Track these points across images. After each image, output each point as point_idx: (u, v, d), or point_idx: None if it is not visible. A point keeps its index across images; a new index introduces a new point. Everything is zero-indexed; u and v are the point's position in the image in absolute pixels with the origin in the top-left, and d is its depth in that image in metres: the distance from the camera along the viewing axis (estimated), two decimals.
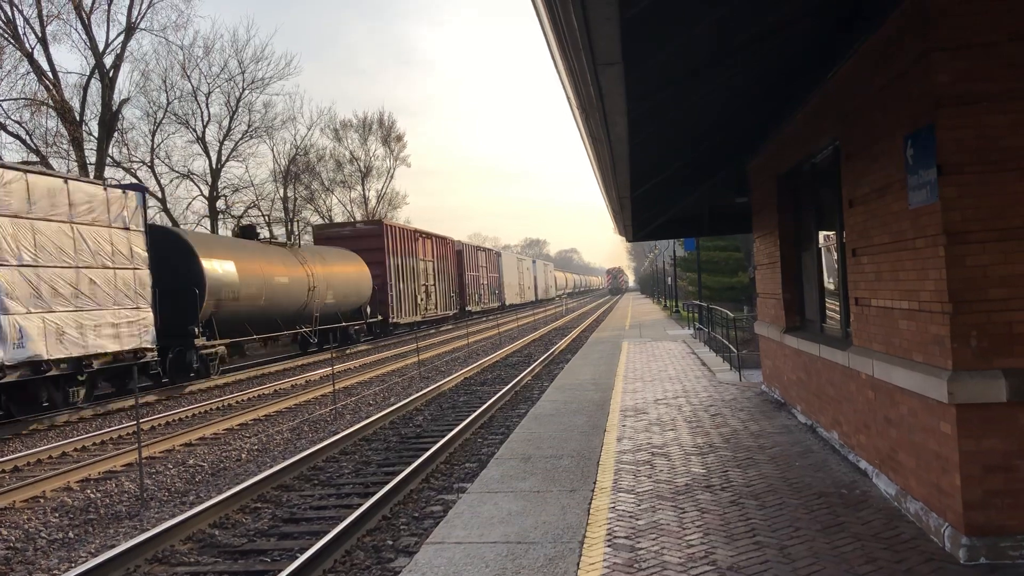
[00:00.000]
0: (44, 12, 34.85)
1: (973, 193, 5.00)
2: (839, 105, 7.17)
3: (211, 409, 17.35)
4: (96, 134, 36.83)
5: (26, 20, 34.64)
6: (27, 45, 34.42)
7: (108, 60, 37.24)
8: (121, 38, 37.61)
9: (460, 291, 53.25)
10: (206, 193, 44.85)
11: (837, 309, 8.36)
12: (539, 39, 4.84)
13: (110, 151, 38.00)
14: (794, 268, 10.28)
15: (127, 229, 18.79)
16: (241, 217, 45.53)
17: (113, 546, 7.92)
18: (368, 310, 34.64)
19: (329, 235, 38.17)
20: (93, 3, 36.69)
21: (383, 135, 63.83)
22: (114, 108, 37.32)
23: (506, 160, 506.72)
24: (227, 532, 8.28)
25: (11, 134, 35.34)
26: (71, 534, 8.70)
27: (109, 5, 37.33)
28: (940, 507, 5.34)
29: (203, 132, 44.87)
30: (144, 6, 38.09)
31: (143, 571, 7.23)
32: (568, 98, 5.89)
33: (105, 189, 18.37)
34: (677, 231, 21.17)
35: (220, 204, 44.52)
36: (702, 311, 24.94)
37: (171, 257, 21.04)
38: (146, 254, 19.43)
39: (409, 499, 9.17)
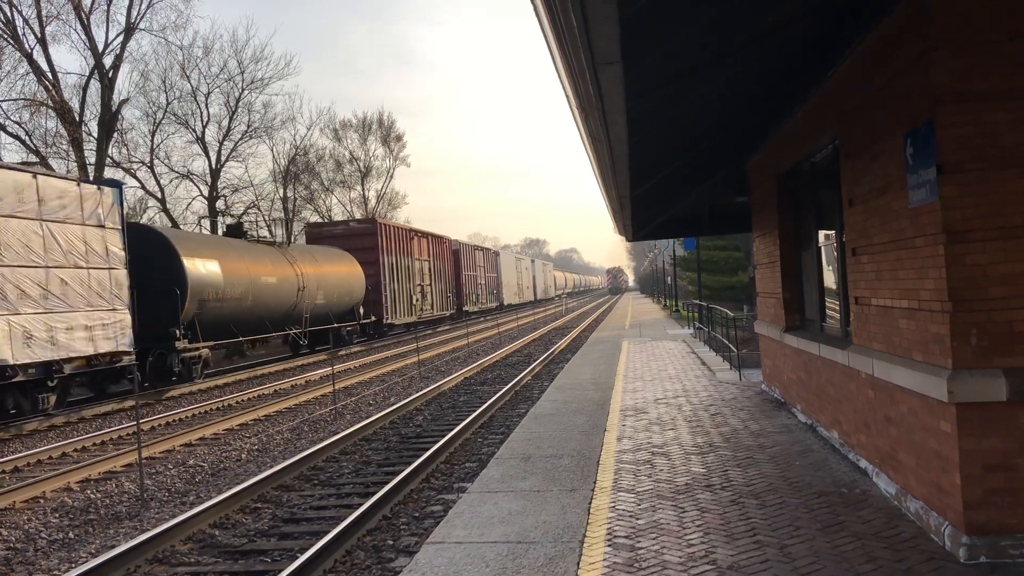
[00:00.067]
0: (43, 12, 34.87)
1: (973, 192, 5.00)
2: (839, 104, 7.17)
3: (211, 409, 17.35)
4: (96, 134, 36.82)
5: (25, 20, 34.67)
6: (26, 45, 34.43)
7: (107, 60, 37.26)
8: (120, 38, 37.63)
9: (457, 291, 52.53)
10: (206, 193, 44.86)
11: (837, 308, 8.36)
12: (539, 39, 4.84)
13: (110, 151, 37.99)
14: (794, 267, 10.28)
15: (102, 227, 17.84)
16: (241, 217, 45.53)
17: (113, 546, 7.92)
18: (361, 311, 33.83)
19: (321, 234, 37.35)
20: (92, 3, 36.71)
21: (383, 135, 63.87)
22: (113, 108, 37.31)
23: (506, 160, 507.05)
24: (227, 532, 8.28)
25: (11, 135, 35.36)
26: (71, 534, 8.70)
27: (108, 5, 37.35)
28: (940, 506, 5.34)
29: (203, 132, 44.89)
30: (143, 6, 38.09)
31: (143, 571, 7.22)
32: (567, 97, 5.88)
33: (78, 185, 17.48)
34: (677, 230, 21.20)
35: (220, 204, 44.52)
36: (702, 310, 24.94)
37: (151, 256, 20.25)
38: (123, 253, 18.52)
39: (409, 499, 9.17)
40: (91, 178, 21.92)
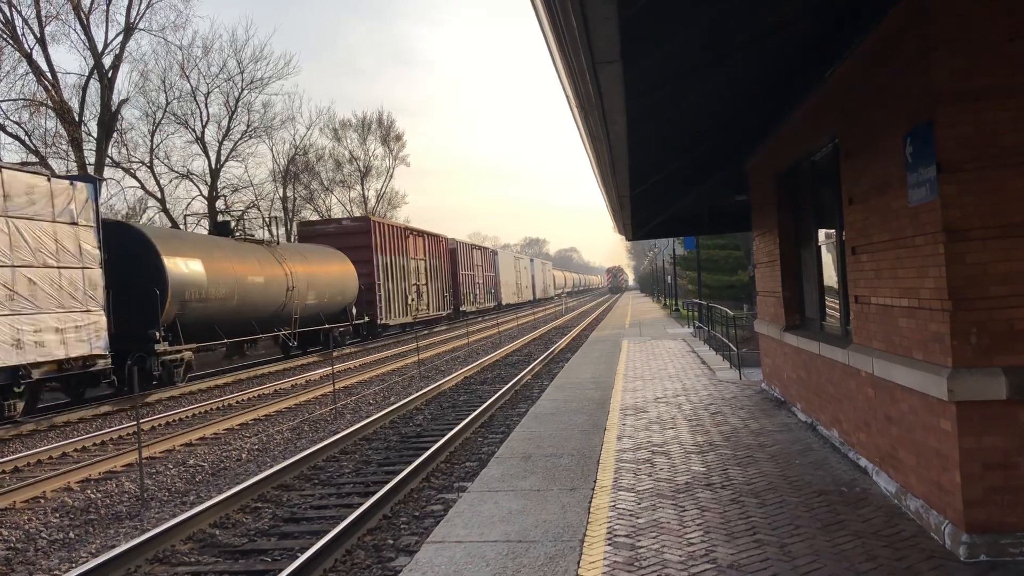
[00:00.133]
0: (43, 12, 34.88)
1: (973, 190, 5.00)
2: (838, 103, 7.17)
3: (211, 409, 17.35)
4: (95, 134, 36.83)
5: (25, 21, 34.67)
6: (26, 46, 34.43)
7: (107, 60, 37.27)
8: (120, 38, 37.64)
9: (454, 290, 51.67)
10: (205, 193, 44.86)
11: (837, 307, 8.36)
12: (539, 39, 4.84)
13: (109, 151, 38.00)
14: (794, 266, 10.28)
15: (75, 224, 16.90)
16: (241, 216, 45.50)
17: (114, 546, 7.92)
18: (354, 311, 32.73)
19: (314, 232, 36.29)
20: (92, 3, 36.73)
21: (382, 135, 63.90)
22: (113, 108, 37.32)
23: (506, 160, 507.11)
24: (228, 532, 8.28)
25: (10, 135, 35.37)
26: (71, 534, 8.71)
27: (108, 5, 37.35)
28: (940, 504, 5.34)
29: (202, 132, 44.90)
30: (143, 6, 38.11)
31: (144, 571, 7.23)
32: (567, 97, 5.89)
33: (49, 180, 16.63)
34: (677, 229, 21.19)
35: (219, 204, 44.51)
36: (702, 309, 24.95)
37: (130, 255, 19.38)
38: (98, 251, 17.57)
39: (410, 498, 9.17)
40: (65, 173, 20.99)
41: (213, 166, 45.15)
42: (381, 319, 35.81)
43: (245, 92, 45.69)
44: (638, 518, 6.21)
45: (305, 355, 29.39)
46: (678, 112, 8.10)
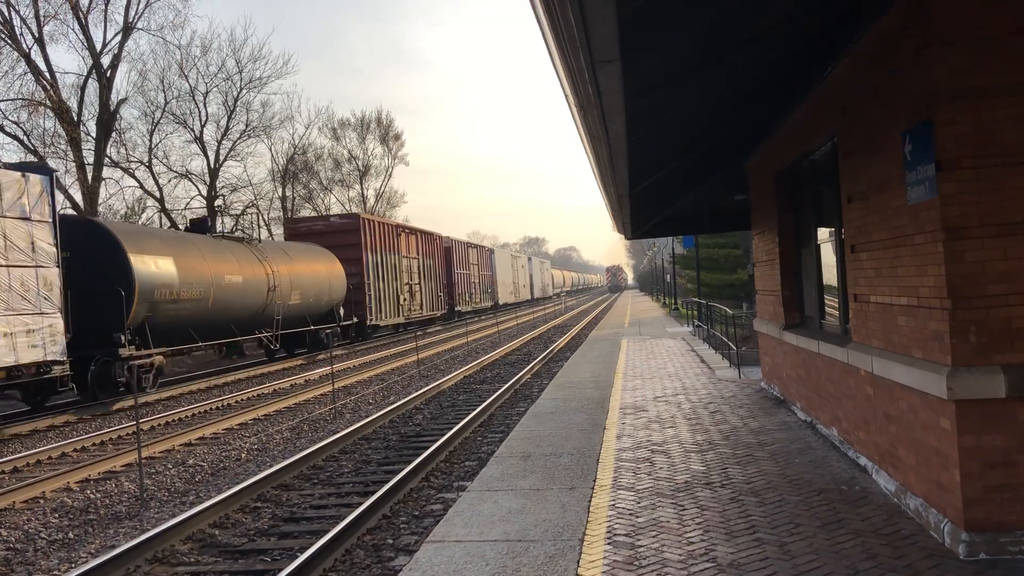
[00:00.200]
0: (41, 12, 34.80)
1: (972, 188, 5.00)
2: (837, 102, 7.17)
3: (210, 409, 17.35)
4: (94, 134, 36.79)
5: (23, 20, 34.59)
6: (24, 45, 34.36)
7: (105, 60, 37.20)
8: (118, 38, 37.56)
9: (448, 290, 50.46)
10: (204, 193, 44.83)
11: (836, 305, 8.36)
12: (538, 38, 4.84)
13: (108, 151, 37.92)
14: (793, 265, 10.28)
15: (27, 219, 15.60)
16: (240, 216, 45.51)
17: (113, 546, 7.92)
18: (342, 312, 31.32)
19: (300, 230, 34.84)
20: (90, 3, 36.64)
21: (381, 134, 63.84)
22: (112, 108, 37.27)
23: (506, 160, 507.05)
24: (227, 532, 8.28)
25: (9, 135, 35.30)
26: (71, 534, 8.70)
27: (106, 5, 37.27)
28: (940, 503, 5.34)
29: (201, 132, 44.83)
30: (141, 6, 38.00)
31: (143, 571, 7.22)
32: (566, 96, 5.88)
33: None
34: (676, 228, 21.18)
35: (218, 204, 44.49)
36: (701, 308, 24.96)
37: (93, 253, 18.16)
38: (54, 249, 16.25)
39: (409, 498, 9.17)
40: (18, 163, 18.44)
41: (212, 166, 45.12)
42: (371, 320, 34.60)
43: (244, 91, 45.66)
44: (638, 517, 6.22)
45: (291, 358, 28.38)
46: (677, 111, 8.09)
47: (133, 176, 41.94)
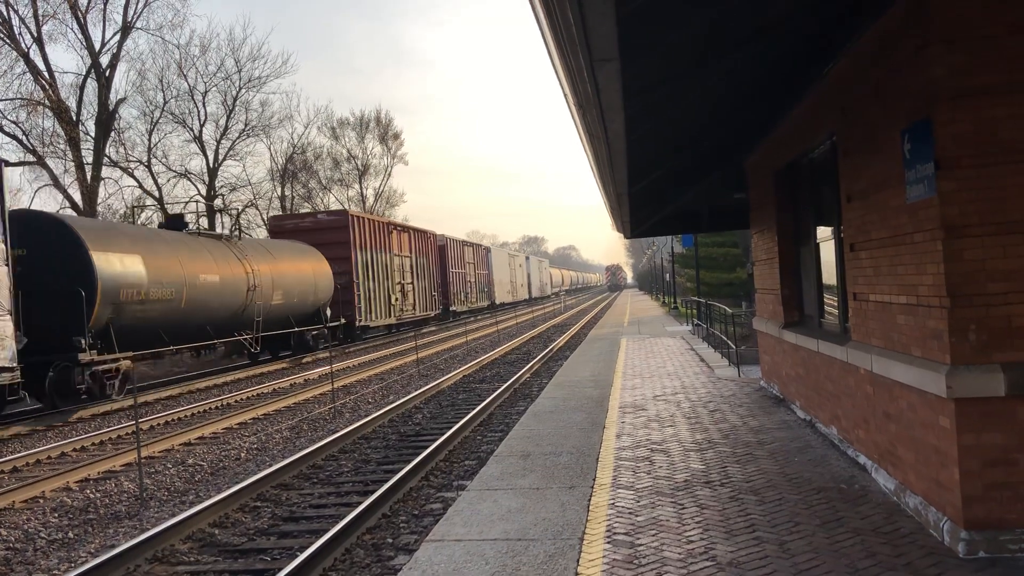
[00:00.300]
0: (40, 12, 34.80)
1: (971, 187, 5.00)
2: (837, 101, 7.17)
3: (210, 408, 17.35)
4: (93, 134, 36.77)
5: (21, 20, 34.57)
6: (23, 45, 34.36)
7: (104, 60, 37.17)
8: (117, 37, 37.55)
9: (443, 289, 49.53)
10: (203, 192, 44.80)
11: (835, 304, 8.37)
12: (537, 38, 4.84)
13: (107, 151, 37.92)
14: (792, 264, 10.28)
15: None
16: (239, 215, 45.42)
17: (113, 546, 7.92)
18: (328, 312, 30.02)
19: (286, 227, 33.61)
20: (89, 3, 36.63)
21: (380, 133, 63.85)
22: (111, 108, 37.27)
23: (506, 160, 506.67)
24: (227, 531, 8.28)
25: (8, 134, 35.29)
26: (71, 534, 8.70)
27: (105, 4, 37.26)
28: (939, 501, 5.34)
29: (200, 131, 44.81)
30: (140, 5, 37.97)
31: (143, 571, 7.22)
32: (566, 95, 5.88)
33: None
34: (675, 227, 21.19)
35: (218, 203, 44.46)
36: (700, 307, 24.96)
37: (51, 250, 16.95)
38: (3, 246, 15.17)
39: (409, 497, 9.17)
40: None
41: (211, 165, 45.11)
42: (360, 320, 33.47)
43: (243, 91, 45.65)
44: (637, 516, 6.22)
45: (275, 361, 27.17)
46: (676, 110, 8.09)
47: (132, 176, 41.96)
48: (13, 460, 12.29)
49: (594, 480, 7.39)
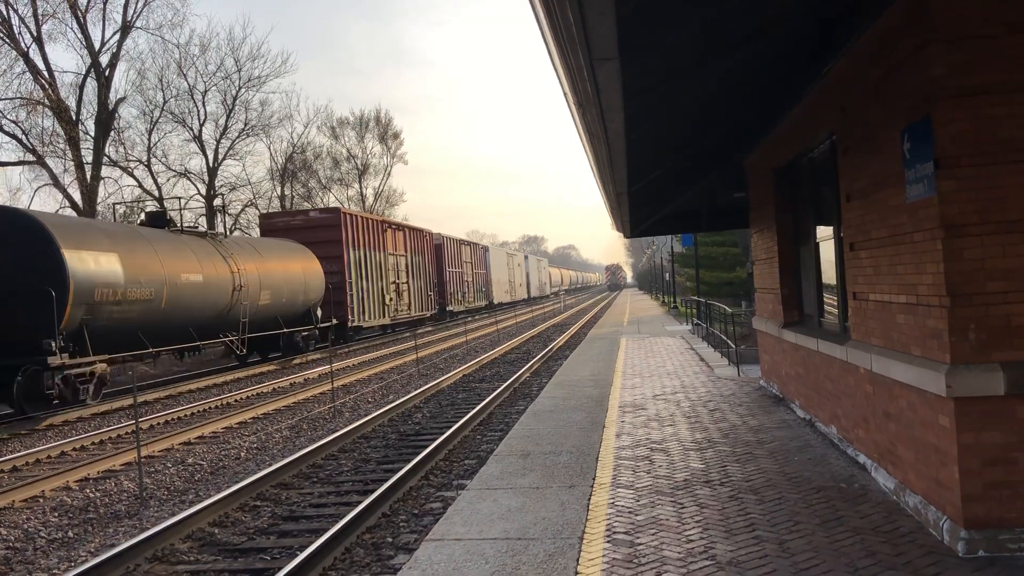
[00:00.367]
0: (39, 11, 34.77)
1: (971, 186, 5.00)
2: (836, 100, 7.17)
3: (209, 408, 17.35)
4: (92, 133, 36.76)
5: (21, 19, 34.55)
6: (22, 44, 34.34)
7: (104, 59, 37.15)
8: (117, 37, 37.51)
9: (439, 289, 48.80)
10: (203, 192, 44.79)
11: (835, 304, 8.37)
12: (537, 38, 4.85)
13: (107, 150, 37.91)
14: (792, 263, 10.29)
15: None
16: (238, 215, 45.47)
17: (113, 545, 7.92)
18: (319, 313, 29.18)
19: (276, 225, 32.75)
20: (88, 2, 36.60)
21: (380, 132, 63.84)
22: (110, 107, 37.25)
23: (506, 160, 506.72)
24: (227, 530, 8.28)
25: (7, 134, 35.27)
26: (71, 533, 8.70)
27: (104, 4, 37.23)
28: (939, 500, 5.35)
29: (200, 130, 44.78)
30: (140, 4, 37.94)
31: (143, 570, 7.23)
32: (565, 95, 5.89)
33: None
34: (675, 226, 21.21)
35: (217, 203, 44.43)
36: (700, 307, 24.96)
37: (20, 248, 16.22)
38: None
39: (409, 496, 9.17)
40: None
41: (211, 164, 45.08)
42: (353, 321, 32.61)
43: (243, 90, 45.60)
44: (637, 515, 6.22)
45: (264, 363, 26.45)
46: (676, 109, 8.10)
47: (132, 175, 41.94)
48: (13, 459, 12.28)
49: (594, 479, 7.39)
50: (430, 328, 43.92)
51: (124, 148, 41.23)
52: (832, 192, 7.81)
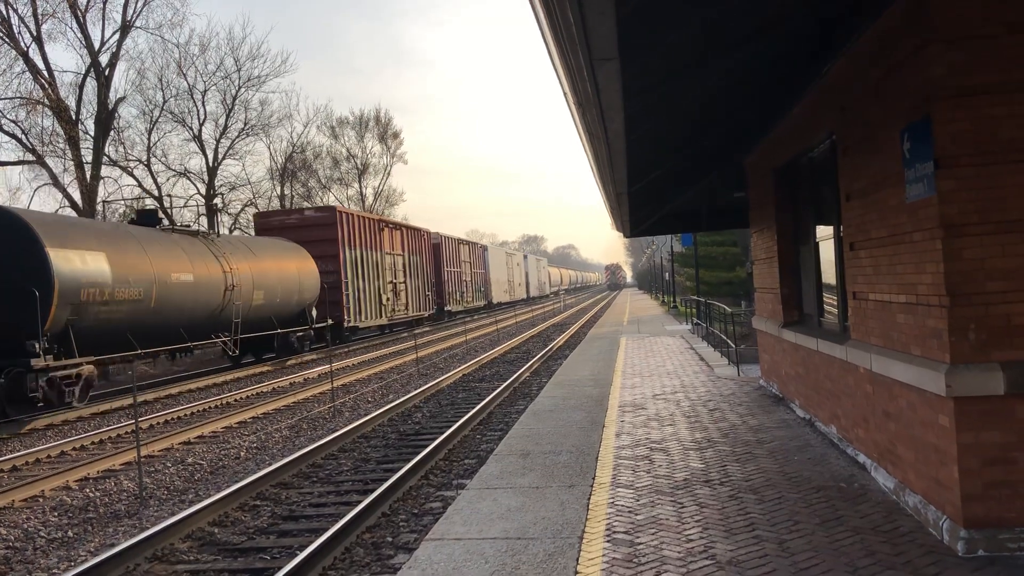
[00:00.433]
0: (39, 10, 34.72)
1: (970, 186, 5.01)
2: (836, 100, 7.17)
3: (209, 407, 17.35)
4: (92, 133, 36.74)
5: (20, 19, 34.50)
6: (22, 44, 34.31)
7: (104, 58, 37.10)
8: (117, 36, 37.45)
9: (437, 289, 48.44)
10: (203, 191, 44.78)
11: (835, 303, 8.37)
12: (537, 38, 4.85)
13: (106, 150, 37.87)
14: (792, 263, 10.29)
15: None
16: (238, 215, 45.45)
17: (113, 545, 7.93)
18: (315, 313, 28.80)
19: (271, 224, 32.14)
20: (88, 2, 36.54)
21: (379, 132, 63.81)
22: (110, 107, 37.21)
23: (506, 160, 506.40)
24: (227, 530, 8.28)
25: (7, 133, 35.23)
26: (70, 533, 8.70)
27: (104, 3, 37.15)
28: (939, 500, 5.35)
29: (199, 130, 44.75)
30: (139, 4, 37.87)
31: (143, 569, 7.23)
32: (565, 95, 5.89)
33: None
34: (675, 226, 21.20)
35: (217, 202, 44.41)
36: (700, 306, 24.97)
37: (1, 247, 15.91)
38: None
39: (408, 496, 9.17)
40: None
41: (210, 164, 45.04)
42: (349, 321, 32.14)
43: (242, 90, 45.53)
44: (637, 515, 6.22)
45: (258, 364, 26.06)
46: (676, 109, 8.10)
47: (132, 175, 41.90)
48: (12, 459, 12.29)
49: (594, 479, 7.39)
50: (429, 328, 43.74)
51: (124, 148, 41.23)
52: (832, 192, 7.82)
